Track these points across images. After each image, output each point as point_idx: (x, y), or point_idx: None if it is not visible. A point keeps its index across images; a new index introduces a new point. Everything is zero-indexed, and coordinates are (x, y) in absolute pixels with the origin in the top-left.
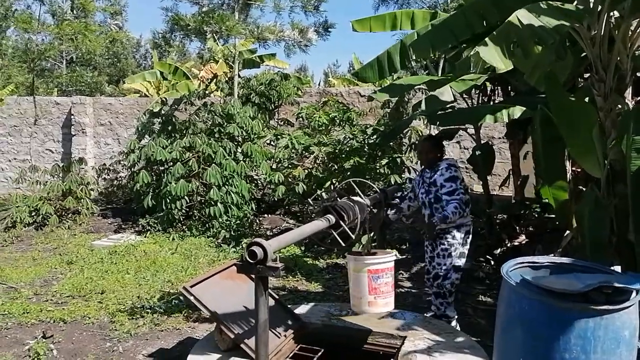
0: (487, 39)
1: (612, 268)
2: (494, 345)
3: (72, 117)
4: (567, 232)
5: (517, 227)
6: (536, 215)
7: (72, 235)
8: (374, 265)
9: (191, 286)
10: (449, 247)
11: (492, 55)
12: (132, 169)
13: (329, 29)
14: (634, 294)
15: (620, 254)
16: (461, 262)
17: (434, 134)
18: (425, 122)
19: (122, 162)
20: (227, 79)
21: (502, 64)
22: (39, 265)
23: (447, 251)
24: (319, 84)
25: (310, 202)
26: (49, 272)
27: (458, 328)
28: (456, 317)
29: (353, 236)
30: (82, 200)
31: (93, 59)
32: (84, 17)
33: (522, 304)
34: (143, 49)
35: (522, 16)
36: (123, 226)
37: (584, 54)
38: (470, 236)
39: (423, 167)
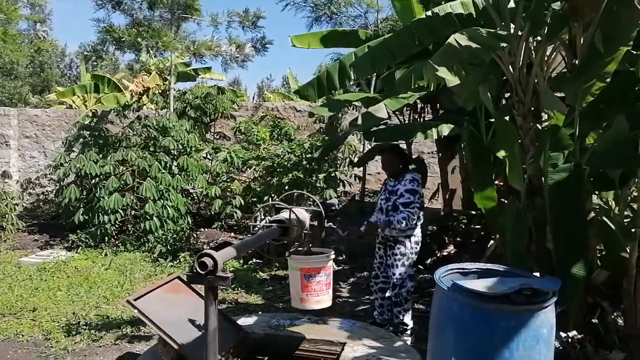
0: (432, 58)
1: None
2: (428, 347)
3: None
4: (492, 241)
5: (446, 238)
6: (463, 227)
7: None
8: (307, 264)
9: (135, 299)
10: (402, 256)
11: (443, 70)
12: (61, 183)
13: (267, 45)
14: (550, 294)
15: (538, 261)
16: (412, 270)
17: (396, 145)
18: (359, 138)
19: (49, 176)
20: (160, 91)
21: (452, 78)
22: None
23: (400, 260)
24: (253, 98)
25: (252, 214)
26: None
27: (410, 339)
28: (412, 326)
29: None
30: (6, 216)
31: (15, 68)
32: (7, 23)
33: (452, 307)
34: (68, 59)
35: (459, 39)
36: (51, 242)
37: (505, 77)
38: (419, 246)
39: (387, 177)
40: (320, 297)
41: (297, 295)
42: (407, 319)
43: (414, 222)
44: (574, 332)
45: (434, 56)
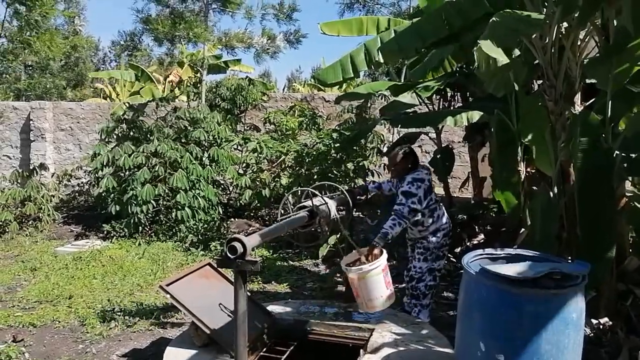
0: (481, 38)
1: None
2: (456, 331)
3: (30, 122)
4: (522, 230)
5: (476, 227)
6: (493, 215)
7: (33, 242)
8: (383, 263)
9: (167, 284)
10: (425, 251)
11: (494, 50)
12: (96, 175)
13: (300, 38)
14: (580, 279)
15: (569, 248)
16: (436, 264)
17: (401, 145)
18: (387, 127)
19: (83, 168)
20: (192, 83)
21: (504, 58)
22: (1, 273)
23: (423, 255)
24: (283, 90)
25: (289, 199)
26: (12, 279)
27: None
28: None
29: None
30: (42, 207)
31: (50, 65)
32: (44, 17)
33: (480, 291)
34: (101, 53)
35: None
36: (86, 232)
37: (537, 61)
38: (448, 238)
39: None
40: (392, 286)
41: (383, 296)
42: (423, 315)
43: (406, 221)
44: (606, 319)
45: (483, 35)
